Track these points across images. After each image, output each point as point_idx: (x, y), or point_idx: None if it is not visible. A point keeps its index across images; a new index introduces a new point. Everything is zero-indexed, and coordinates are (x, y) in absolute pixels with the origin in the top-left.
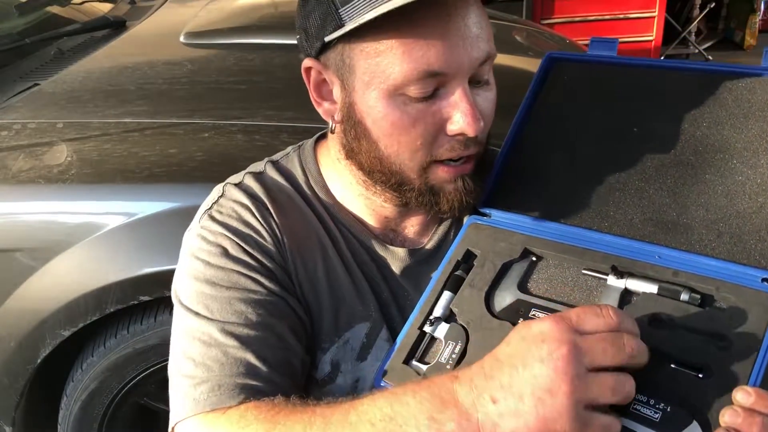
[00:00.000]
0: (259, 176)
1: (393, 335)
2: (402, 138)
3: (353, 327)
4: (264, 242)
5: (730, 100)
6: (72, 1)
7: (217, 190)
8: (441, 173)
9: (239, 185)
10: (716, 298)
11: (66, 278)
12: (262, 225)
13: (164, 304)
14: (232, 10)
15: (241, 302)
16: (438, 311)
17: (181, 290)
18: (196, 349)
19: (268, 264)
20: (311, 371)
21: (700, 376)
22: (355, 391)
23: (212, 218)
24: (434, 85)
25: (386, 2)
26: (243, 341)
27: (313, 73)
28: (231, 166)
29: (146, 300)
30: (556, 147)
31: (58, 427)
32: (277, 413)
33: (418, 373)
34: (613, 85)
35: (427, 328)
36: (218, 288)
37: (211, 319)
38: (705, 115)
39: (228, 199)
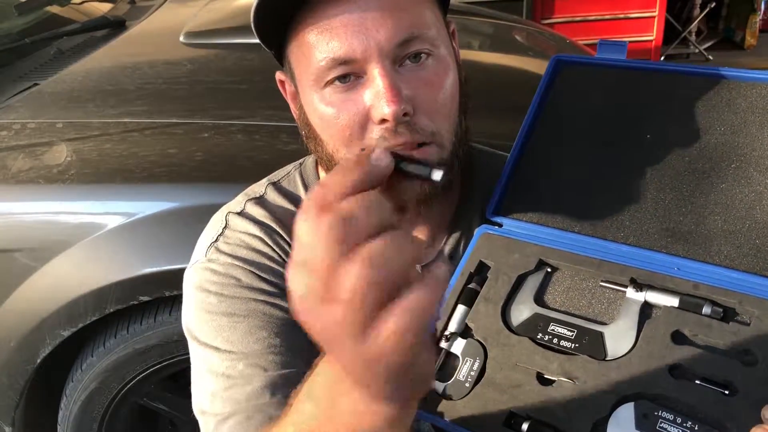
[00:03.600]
0: (260, 201)
1: None
2: (332, 130)
3: None
4: (278, 266)
5: (744, 107)
6: (72, 1)
7: (219, 221)
8: None
9: (242, 214)
10: (739, 312)
11: (66, 278)
12: (274, 250)
13: (164, 304)
14: (232, 10)
15: (261, 329)
16: (453, 326)
17: (196, 327)
18: (221, 384)
19: (284, 285)
20: None
21: (726, 393)
22: None
23: (219, 250)
24: (347, 71)
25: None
26: (267, 368)
27: (286, 86)
28: (231, 166)
29: (146, 300)
30: (567, 154)
31: (58, 427)
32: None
33: (436, 391)
34: (623, 89)
35: (443, 344)
36: (236, 318)
37: (232, 352)
38: (719, 122)
39: (234, 230)
